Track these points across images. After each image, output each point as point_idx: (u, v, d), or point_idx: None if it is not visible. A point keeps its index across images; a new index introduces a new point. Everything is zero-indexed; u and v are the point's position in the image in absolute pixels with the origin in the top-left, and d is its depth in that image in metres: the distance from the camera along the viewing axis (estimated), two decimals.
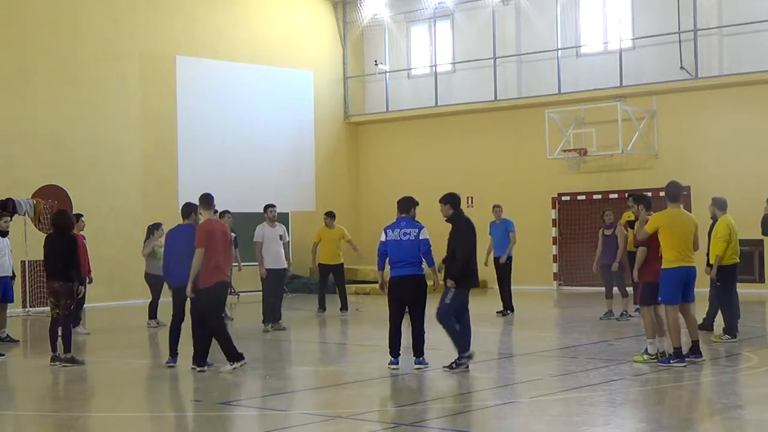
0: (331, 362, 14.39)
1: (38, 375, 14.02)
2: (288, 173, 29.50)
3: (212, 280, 13.00)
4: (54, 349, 14.32)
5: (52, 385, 13.45)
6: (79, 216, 18.74)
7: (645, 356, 13.11)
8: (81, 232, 18.40)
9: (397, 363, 12.87)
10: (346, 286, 27.49)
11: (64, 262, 14.34)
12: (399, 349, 12.96)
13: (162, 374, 13.11)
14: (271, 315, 18.30)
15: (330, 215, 21.35)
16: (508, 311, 20.31)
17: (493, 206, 21.00)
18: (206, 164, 27.36)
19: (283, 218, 27.75)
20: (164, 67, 26.84)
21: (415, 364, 12.86)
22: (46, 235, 15.97)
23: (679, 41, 25.55)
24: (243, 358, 13.16)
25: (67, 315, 14.41)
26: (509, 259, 20.58)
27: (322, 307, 21.21)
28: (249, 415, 10.80)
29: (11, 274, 17.47)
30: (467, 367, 12.62)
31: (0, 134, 23.61)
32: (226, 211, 19.79)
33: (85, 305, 18.44)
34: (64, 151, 24.59)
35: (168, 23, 27.04)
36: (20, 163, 23.72)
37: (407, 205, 13.19)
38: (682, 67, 25.45)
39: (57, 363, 14.16)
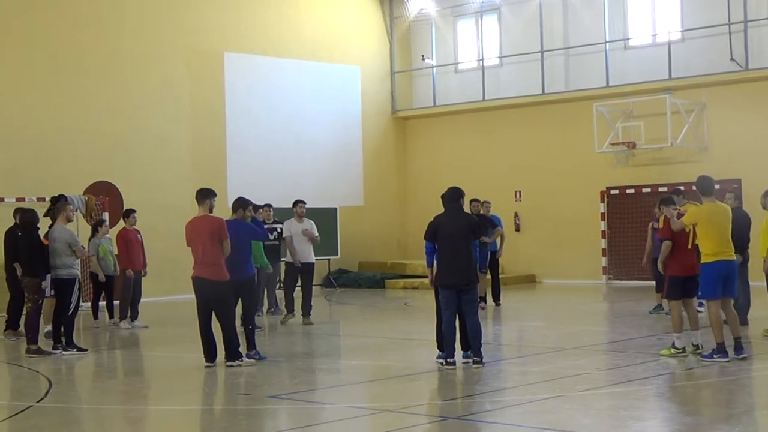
0: (379, 356, 14.45)
1: (84, 368, 14.25)
2: (335, 168, 29.63)
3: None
4: (33, 341, 14.70)
5: (107, 377, 13.67)
6: (130, 211, 19.12)
7: (672, 350, 13.07)
8: (134, 227, 18.76)
9: (445, 356, 12.88)
10: (397, 280, 27.79)
11: (32, 258, 14.84)
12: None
13: (212, 368, 13.21)
14: (291, 306, 18.53)
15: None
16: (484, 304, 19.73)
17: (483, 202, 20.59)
18: (254, 159, 27.55)
19: (331, 213, 27.99)
20: (213, 64, 27.06)
21: (463, 357, 12.91)
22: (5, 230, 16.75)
23: (729, 33, 25.29)
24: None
25: (38, 308, 14.84)
26: (491, 253, 20.35)
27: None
28: (297, 408, 10.88)
29: None
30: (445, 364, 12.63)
31: (52, 132, 23.93)
32: (268, 205, 19.99)
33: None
34: (115, 147, 24.88)
35: (216, 20, 27.25)
36: (72, 160, 24.03)
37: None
38: (732, 59, 25.20)
39: (33, 355, 14.55)
